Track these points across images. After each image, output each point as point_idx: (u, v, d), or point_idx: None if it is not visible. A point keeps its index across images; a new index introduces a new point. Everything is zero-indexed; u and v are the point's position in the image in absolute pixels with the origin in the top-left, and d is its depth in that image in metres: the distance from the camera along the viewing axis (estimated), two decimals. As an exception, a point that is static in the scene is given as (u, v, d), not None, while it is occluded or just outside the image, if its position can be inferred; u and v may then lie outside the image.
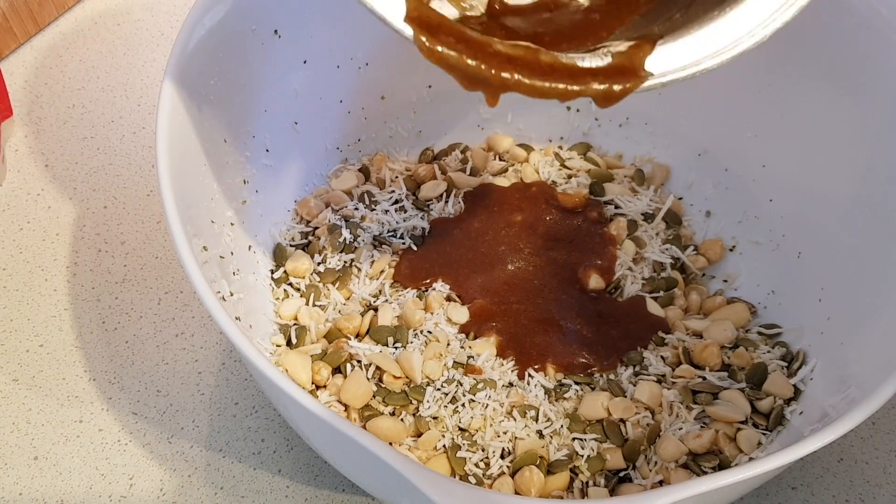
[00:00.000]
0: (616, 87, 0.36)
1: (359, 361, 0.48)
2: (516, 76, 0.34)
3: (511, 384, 0.48)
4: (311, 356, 0.48)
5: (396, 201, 0.57)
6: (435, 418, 0.46)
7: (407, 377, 0.47)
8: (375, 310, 0.51)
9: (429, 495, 0.33)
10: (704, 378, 0.48)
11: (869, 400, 0.36)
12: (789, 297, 0.52)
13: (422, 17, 0.34)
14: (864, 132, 0.48)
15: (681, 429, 0.46)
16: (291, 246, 0.54)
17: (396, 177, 0.58)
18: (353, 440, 0.34)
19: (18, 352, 0.54)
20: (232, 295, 0.45)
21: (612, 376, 0.49)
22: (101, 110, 0.66)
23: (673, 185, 0.60)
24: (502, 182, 0.58)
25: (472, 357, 0.49)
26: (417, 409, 0.46)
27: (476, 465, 0.45)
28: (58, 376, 0.53)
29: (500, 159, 0.61)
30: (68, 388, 0.52)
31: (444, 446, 0.45)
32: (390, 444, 0.45)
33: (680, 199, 0.59)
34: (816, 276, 0.50)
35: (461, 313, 0.51)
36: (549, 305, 0.52)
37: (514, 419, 0.46)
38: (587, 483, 0.45)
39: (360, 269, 0.53)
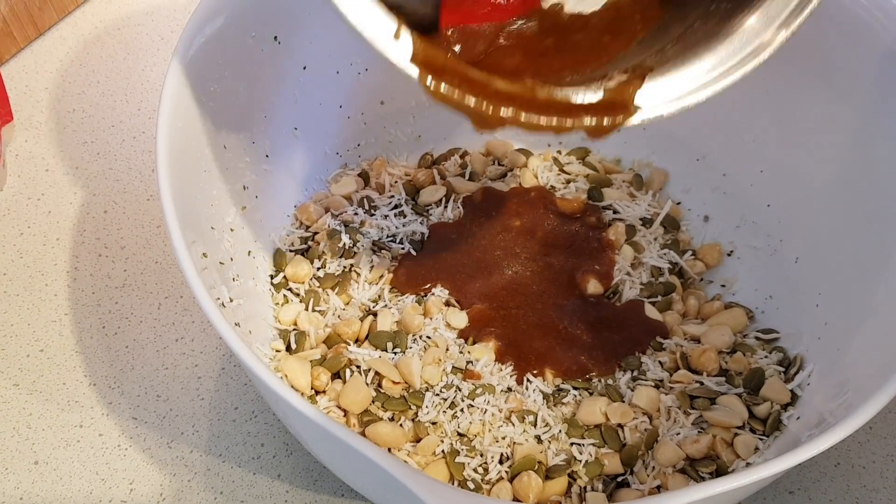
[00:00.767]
0: (606, 122, 0.38)
1: (358, 367, 0.48)
2: (513, 112, 0.37)
3: (510, 389, 0.49)
4: (311, 361, 0.48)
5: (396, 206, 0.57)
6: (434, 423, 0.46)
7: (406, 382, 0.47)
8: (375, 315, 0.51)
9: (426, 501, 0.33)
10: (702, 383, 0.48)
11: (866, 406, 0.36)
12: (787, 302, 0.52)
13: (427, 59, 0.36)
14: (862, 138, 0.48)
15: (678, 434, 0.46)
16: (291, 251, 0.54)
17: (396, 182, 0.59)
18: (350, 446, 0.34)
19: (19, 356, 0.54)
20: (231, 301, 0.45)
21: (610, 381, 0.49)
22: (101, 115, 0.67)
23: (671, 189, 0.60)
24: (501, 187, 0.59)
25: (471, 362, 0.49)
26: (416, 414, 0.46)
27: (475, 470, 0.45)
28: (58, 381, 0.53)
29: (499, 164, 0.61)
30: (68, 392, 0.52)
31: (442, 451, 0.45)
32: (389, 449, 0.45)
33: (678, 203, 0.59)
34: (814, 281, 0.50)
35: (460, 318, 0.51)
36: (547, 310, 0.52)
37: (513, 424, 0.47)
38: (585, 488, 0.45)
39: (359, 275, 0.53)
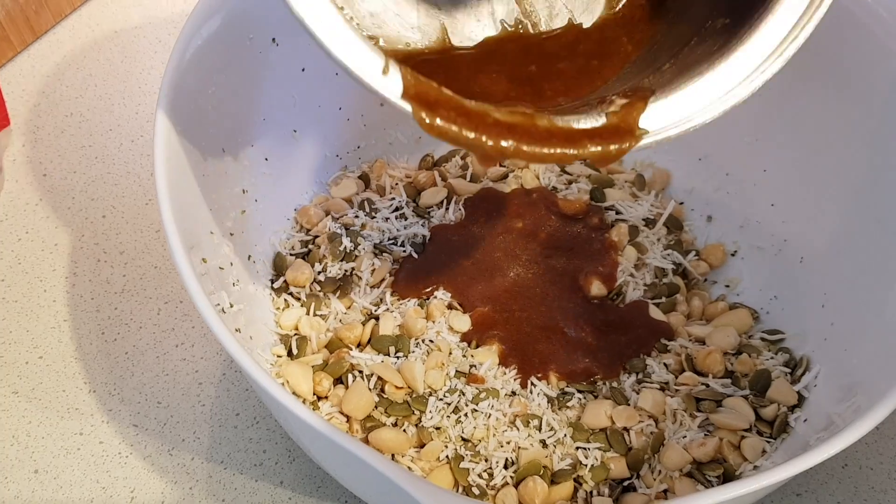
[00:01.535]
0: (612, 148, 0.36)
1: (360, 372, 0.47)
2: (515, 145, 0.35)
3: (514, 393, 0.48)
4: (313, 367, 0.48)
5: (397, 209, 0.56)
6: (438, 429, 0.46)
7: (409, 387, 0.47)
8: (377, 319, 0.51)
9: (430, 509, 0.32)
10: (708, 385, 0.48)
11: (875, 408, 0.35)
12: (792, 303, 0.52)
13: (420, 94, 0.34)
14: (865, 136, 0.48)
15: (685, 437, 0.46)
16: (291, 255, 0.54)
17: (396, 184, 0.58)
18: (353, 454, 0.33)
19: (18, 364, 0.53)
20: (232, 306, 0.45)
21: (615, 384, 0.49)
22: (98, 119, 0.66)
23: (673, 189, 0.60)
24: (503, 188, 0.58)
25: (475, 366, 0.48)
26: (420, 419, 0.46)
27: (479, 475, 0.44)
28: (57, 388, 0.52)
29: (501, 165, 0.60)
30: (68, 400, 0.52)
31: (447, 457, 0.45)
32: (393, 455, 0.45)
33: (681, 203, 0.59)
34: (819, 281, 0.50)
35: (463, 322, 0.50)
36: (551, 313, 0.51)
37: (518, 429, 0.46)
38: (591, 493, 0.45)
39: (360, 278, 0.53)
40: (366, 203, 0.56)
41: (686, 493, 0.44)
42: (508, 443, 0.46)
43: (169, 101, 0.41)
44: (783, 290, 0.53)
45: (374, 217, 0.55)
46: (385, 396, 0.47)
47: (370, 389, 0.46)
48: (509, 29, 0.42)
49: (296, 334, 0.50)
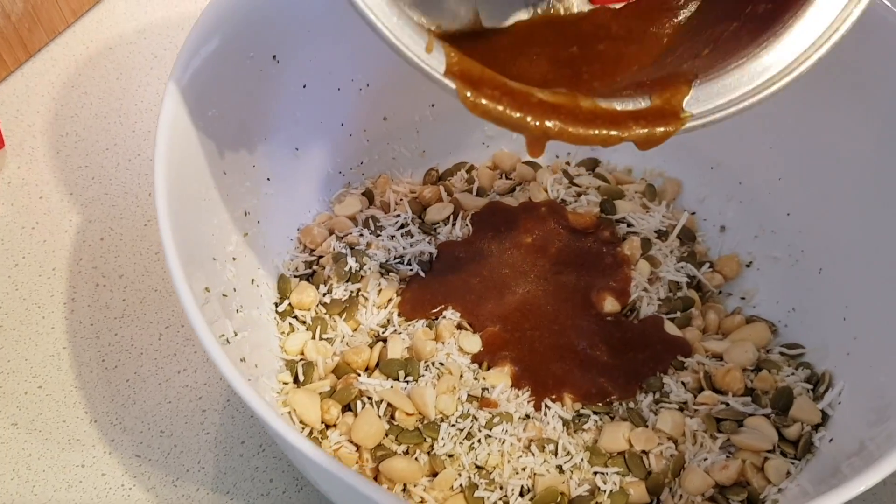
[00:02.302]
0: (658, 130, 0.36)
1: (369, 398, 0.46)
2: (559, 125, 0.35)
3: (528, 416, 0.47)
4: (320, 394, 0.46)
5: (402, 226, 0.55)
6: (451, 456, 0.44)
7: (420, 413, 0.45)
8: (384, 341, 0.49)
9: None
10: (728, 404, 0.46)
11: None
12: (811, 315, 0.50)
13: (463, 71, 0.34)
14: (884, 144, 0.46)
15: (706, 459, 0.44)
16: (296, 276, 0.52)
17: (401, 199, 0.57)
18: (359, 491, 0.32)
19: (17, 394, 0.52)
20: (236, 335, 0.43)
21: (631, 404, 0.47)
22: (94, 138, 0.65)
23: (685, 199, 0.58)
24: (510, 202, 0.57)
25: (487, 389, 0.47)
26: (432, 447, 0.45)
27: (495, 504, 0.43)
28: (58, 419, 0.51)
29: (507, 178, 0.59)
30: (69, 431, 0.50)
31: (461, 486, 0.43)
32: (405, 485, 0.43)
33: (693, 213, 0.57)
34: (839, 293, 0.49)
35: (473, 342, 0.49)
36: (563, 331, 0.50)
37: (533, 454, 0.45)
38: (611, 519, 0.43)
39: (367, 299, 0.51)
40: (370, 221, 0.55)
41: (709, 519, 0.42)
42: (524, 469, 0.44)
43: (167, 126, 0.39)
44: (802, 302, 0.51)
45: (380, 235, 0.54)
46: (395, 423, 0.45)
47: (380, 417, 0.45)
48: (541, 13, 0.41)
49: (302, 359, 0.49)
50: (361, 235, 0.54)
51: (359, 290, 0.51)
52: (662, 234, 0.56)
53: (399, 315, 0.51)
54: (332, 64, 0.51)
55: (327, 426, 0.46)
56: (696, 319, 0.52)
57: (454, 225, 0.55)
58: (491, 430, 0.45)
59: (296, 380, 0.48)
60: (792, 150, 0.52)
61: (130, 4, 0.73)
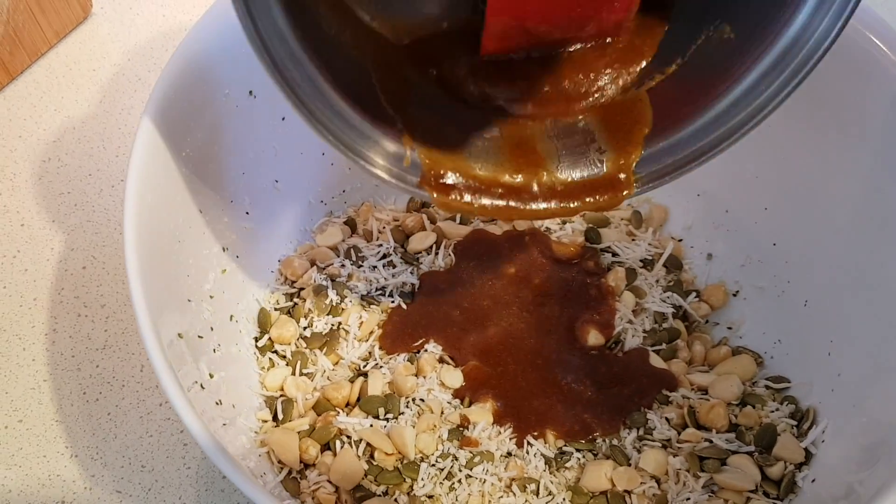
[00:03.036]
0: (611, 198, 0.40)
1: (349, 437, 0.46)
2: (520, 208, 0.40)
3: (509, 454, 0.46)
4: (299, 433, 0.46)
5: (384, 255, 0.54)
6: (430, 497, 0.44)
7: (399, 453, 0.45)
8: (365, 375, 0.49)
9: None
10: (711, 441, 0.46)
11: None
12: (797, 348, 0.50)
13: (435, 175, 0.40)
14: (874, 178, 0.46)
15: (688, 499, 0.44)
16: (276, 310, 0.52)
17: (384, 227, 0.56)
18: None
19: (-3, 429, 0.52)
20: (212, 377, 0.43)
21: (615, 441, 0.47)
22: (77, 163, 0.64)
23: (672, 226, 0.58)
24: (494, 230, 0.56)
25: (466, 428, 0.46)
26: (412, 487, 0.44)
27: (475, 546, 0.43)
28: (38, 454, 0.51)
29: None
30: (49, 466, 0.50)
31: (440, 528, 0.43)
32: (384, 528, 0.43)
33: (680, 241, 0.57)
34: (824, 327, 0.48)
35: (455, 377, 0.49)
36: (547, 365, 0.50)
37: (514, 494, 0.44)
38: (592, 561, 0.43)
39: (348, 332, 0.51)
40: (352, 251, 0.54)
41: (691, 562, 0.42)
42: (505, 510, 0.44)
43: (139, 171, 0.39)
44: (787, 334, 0.51)
45: (361, 266, 0.54)
46: (375, 463, 0.45)
47: (359, 457, 0.45)
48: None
49: (281, 396, 0.48)
50: (343, 266, 0.53)
51: (339, 323, 0.51)
52: (648, 263, 0.55)
53: (380, 349, 0.50)
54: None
55: (306, 466, 0.45)
56: (681, 351, 0.52)
57: (437, 254, 0.55)
58: (472, 469, 0.45)
59: (275, 417, 0.47)
60: (777, 180, 0.51)
61: (114, 25, 0.73)
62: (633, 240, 0.56)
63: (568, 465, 0.46)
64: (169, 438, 0.51)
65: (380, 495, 0.44)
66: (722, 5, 0.39)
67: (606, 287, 0.53)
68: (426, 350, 0.50)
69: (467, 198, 0.39)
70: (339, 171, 0.56)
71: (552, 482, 0.45)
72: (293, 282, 0.53)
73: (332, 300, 0.51)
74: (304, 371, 0.49)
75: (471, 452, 0.45)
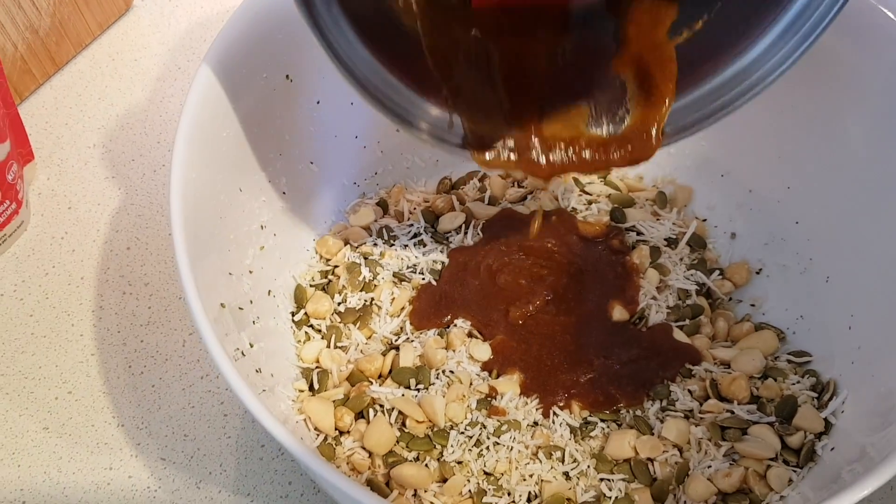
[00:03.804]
0: (642, 152, 0.44)
1: (381, 406, 0.48)
2: (556, 162, 0.44)
3: (536, 424, 0.48)
4: (334, 402, 0.48)
5: (415, 235, 0.56)
6: (460, 462, 0.46)
7: (430, 421, 0.47)
8: (397, 349, 0.51)
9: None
10: (733, 412, 0.47)
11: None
12: (818, 323, 0.51)
13: (476, 137, 0.44)
14: (891, 154, 0.47)
15: (710, 467, 0.45)
16: (311, 286, 0.54)
17: (415, 209, 0.58)
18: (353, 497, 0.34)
19: (48, 399, 0.54)
20: (251, 346, 0.45)
21: (638, 412, 0.48)
22: (121, 149, 0.67)
23: (696, 206, 0.59)
24: (522, 210, 0.58)
25: (494, 398, 0.48)
26: (442, 453, 0.46)
27: (502, 509, 0.44)
28: (87, 423, 0.53)
29: (519, 186, 0.60)
30: (97, 435, 0.53)
31: (469, 491, 0.45)
32: (415, 491, 0.45)
33: (703, 220, 0.58)
34: (845, 302, 0.49)
35: (483, 350, 0.50)
36: (572, 340, 0.51)
37: (540, 461, 0.46)
38: (615, 525, 0.45)
39: (380, 308, 0.53)
40: (384, 230, 0.56)
41: (711, 526, 0.43)
42: (531, 476, 0.45)
43: (183, 151, 0.41)
44: (809, 309, 0.52)
45: (393, 245, 0.55)
46: (406, 431, 0.47)
47: (391, 424, 0.47)
48: None
49: (317, 367, 0.50)
50: (375, 245, 0.55)
51: (372, 299, 0.53)
52: (672, 242, 0.56)
53: (410, 324, 0.52)
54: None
55: (341, 433, 0.47)
56: (704, 327, 0.53)
57: (466, 234, 0.56)
58: (499, 437, 0.46)
59: (311, 387, 0.49)
60: (800, 159, 0.52)
61: (155, 17, 0.75)
62: (657, 220, 0.57)
63: (592, 434, 0.47)
64: (210, 409, 0.54)
65: (411, 461, 0.46)
66: None
67: (631, 265, 0.54)
68: (455, 325, 0.52)
69: (505, 156, 0.43)
70: (372, 154, 0.58)
71: (577, 450, 0.46)
72: (328, 260, 0.55)
73: (364, 277, 0.53)
74: (339, 344, 0.51)
75: (498, 421, 0.47)
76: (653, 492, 0.45)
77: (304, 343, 0.51)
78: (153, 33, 0.74)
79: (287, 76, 0.49)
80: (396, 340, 0.52)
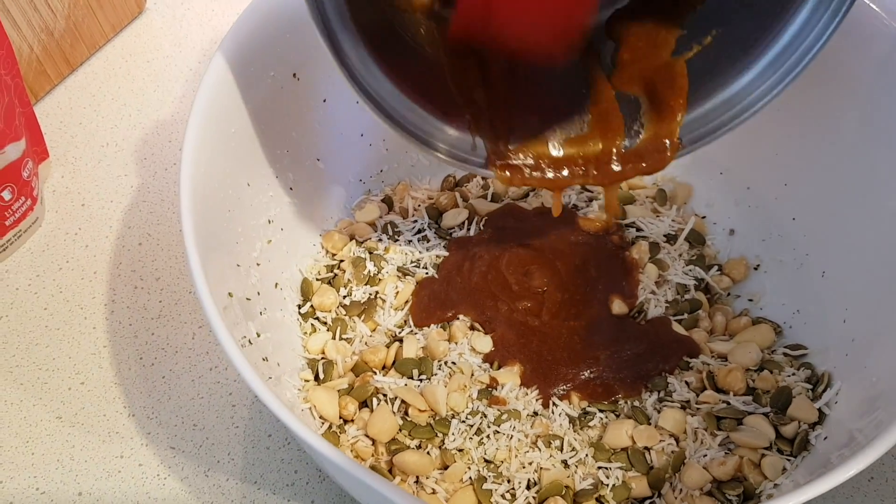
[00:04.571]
0: (656, 164, 0.46)
1: (385, 395, 0.49)
2: (577, 173, 0.46)
3: (536, 414, 0.49)
4: (339, 391, 0.49)
5: (419, 231, 0.57)
6: (461, 450, 0.47)
7: (432, 410, 0.48)
8: (400, 341, 0.52)
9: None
10: (728, 403, 0.48)
11: (896, 424, 0.36)
12: (814, 317, 0.52)
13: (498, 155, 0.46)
14: (887, 151, 0.48)
15: (705, 456, 0.46)
16: (317, 280, 0.55)
17: (419, 206, 0.59)
18: (372, 487, 0.35)
19: (61, 390, 0.56)
20: (259, 336, 0.46)
21: (636, 403, 0.49)
22: (133, 148, 0.68)
23: (695, 203, 0.60)
24: (524, 206, 0.59)
25: (495, 388, 0.49)
26: (443, 441, 0.47)
27: (502, 496, 0.46)
28: (99, 413, 0.55)
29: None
30: (109, 424, 0.54)
31: (470, 479, 0.46)
32: (417, 477, 0.46)
33: (703, 217, 0.59)
34: (840, 296, 0.50)
35: (485, 343, 0.51)
36: (572, 333, 0.52)
37: (539, 449, 0.47)
38: (613, 512, 0.46)
39: (384, 301, 0.54)
40: (389, 226, 0.57)
41: (706, 513, 0.44)
42: (530, 463, 0.47)
43: (193, 147, 0.42)
44: (806, 304, 0.53)
45: (398, 240, 0.57)
46: (409, 419, 0.48)
47: (394, 413, 0.48)
48: None
49: (322, 358, 0.52)
50: (380, 240, 0.57)
51: (377, 292, 0.54)
52: (671, 238, 0.57)
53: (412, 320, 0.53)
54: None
55: (345, 421, 0.49)
56: (703, 321, 0.54)
57: (469, 230, 0.58)
58: (499, 426, 0.47)
59: (316, 377, 0.51)
60: (797, 156, 0.53)
61: (167, 20, 0.77)
62: (657, 216, 0.58)
63: (591, 424, 0.48)
64: (219, 400, 0.55)
65: (413, 448, 0.47)
66: None
67: (630, 260, 0.55)
68: (458, 318, 0.53)
69: (527, 174, 0.45)
70: (378, 152, 0.59)
71: (576, 439, 0.48)
72: (333, 254, 0.57)
73: (369, 271, 0.55)
74: (344, 336, 0.53)
75: (499, 410, 0.48)
76: (649, 480, 0.46)
77: (309, 335, 0.53)
78: (165, 35, 0.76)
79: (294, 75, 0.51)
80: (400, 333, 0.53)
